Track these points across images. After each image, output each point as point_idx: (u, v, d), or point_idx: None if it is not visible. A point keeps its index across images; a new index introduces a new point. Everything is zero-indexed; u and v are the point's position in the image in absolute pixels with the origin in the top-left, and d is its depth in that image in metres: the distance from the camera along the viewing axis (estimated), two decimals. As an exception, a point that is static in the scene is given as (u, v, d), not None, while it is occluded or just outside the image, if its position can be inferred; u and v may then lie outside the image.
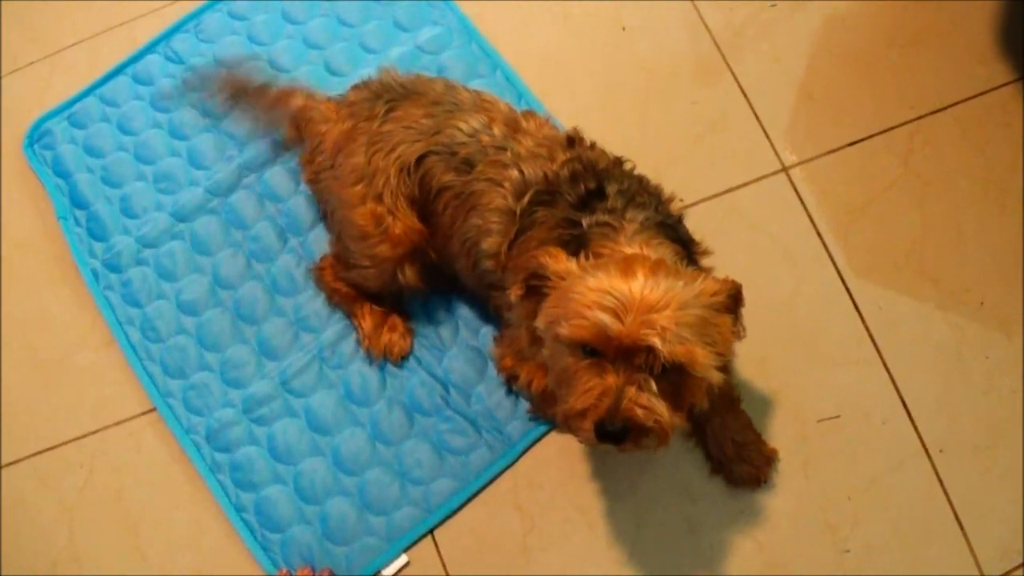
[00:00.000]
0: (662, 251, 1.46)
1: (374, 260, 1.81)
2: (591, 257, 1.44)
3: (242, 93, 2.00)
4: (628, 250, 1.44)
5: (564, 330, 1.35)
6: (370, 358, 1.98)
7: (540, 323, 1.42)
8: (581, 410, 1.38)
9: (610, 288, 1.32)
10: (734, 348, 1.46)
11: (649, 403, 1.34)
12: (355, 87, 1.88)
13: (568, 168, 1.60)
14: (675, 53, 2.21)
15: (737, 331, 1.44)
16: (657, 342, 1.29)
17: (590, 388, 1.36)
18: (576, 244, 1.49)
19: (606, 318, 1.30)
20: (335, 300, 2.01)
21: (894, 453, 1.84)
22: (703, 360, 1.33)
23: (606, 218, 1.51)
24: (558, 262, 1.40)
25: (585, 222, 1.51)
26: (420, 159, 1.71)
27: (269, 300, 2.04)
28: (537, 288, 1.43)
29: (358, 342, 1.99)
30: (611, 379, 1.34)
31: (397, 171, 1.73)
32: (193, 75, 2.16)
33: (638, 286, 1.31)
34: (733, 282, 1.41)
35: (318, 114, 1.89)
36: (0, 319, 2.13)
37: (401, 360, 1.97)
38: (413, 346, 1.98)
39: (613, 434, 1.36)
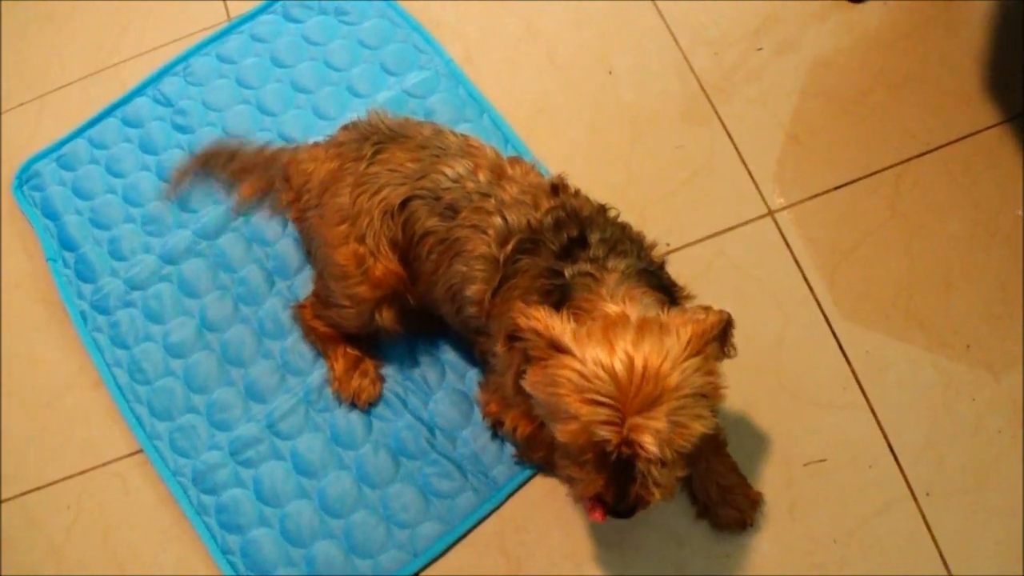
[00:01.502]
0: (645, 300, 1.50)
1: (353, 300, 1.88)
2: (573, 314, 1.47)
3: (232, 163, 2.07)
4: (610, 308, 1.47)
5: (560, 436, 1.40)
6: (339, 400, 2.05)
7: (527, 386, 1.47)
8: (590, 496, 1.47)
9: (598, 378, 1.35)
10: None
11: (653, 484, 1.42)
12: (344, 127, 1.96)
13: (552, 216, 1.66)
14: (662, 97, 2.30)
15: (728, 351, 1.50)
16: (654, 450, 1.34)
17: (593, 480, 1.44)
18: (559, 294, 1.55)
19: (603, 432, 1.35)
20: (311, 339, 2.09)
21: (881, 496, 1.89)
22: (700, 431, 1.38)
23: (588, 268, 1.56)
24: (534, 320, 1.43)
25: (567, 272, 1.56)
26: (404, 203, 1.78)
27: (256, 343, 2.13)
28: (520, 339, 1.48)
29: (328, 382, 2.07)
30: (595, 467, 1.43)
31: (381, 213, 1.79)
32: (187, 161, 2.20)
33: (623, 369, 1.34)
34: (720, 315, 1.45)
35: (306, 154, 1.98)
36: (-12, 360, 2.22)
37: (369, 406, 2.04)
38: (382, 393, 2.05)
39: (622, 513, 1.46)
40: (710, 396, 1.42)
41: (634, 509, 1.46)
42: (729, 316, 1.47)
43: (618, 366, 1.35)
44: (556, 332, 1.41)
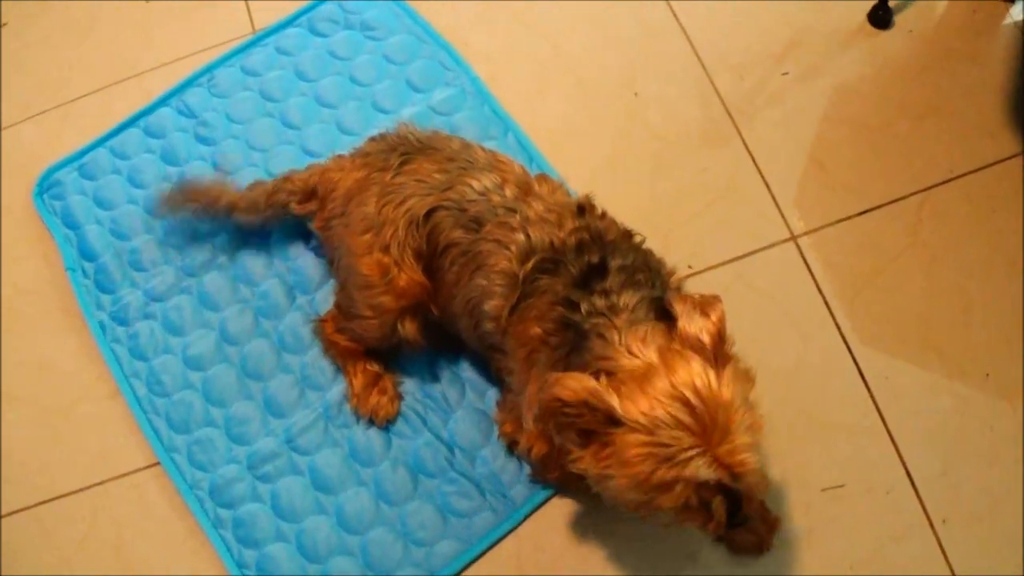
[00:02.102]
0: (655, 333, 1.50)
1: (376, 310, 1.90)
2: (603, 375, 1.46)
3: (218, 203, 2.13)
4: (629, 362, 1.47)
5: (667, 503, 1.42)
6: (356, 416, 2.07)
7: (590, 471, 1.48)
8: (718, 532, 1.51)
9: (673, 437, 1.38)
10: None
11: (759, 490, 1.47)
12: (372, 139, 1.99)
13: (575, 237, 1.66)
14: (686, 120, 2.35)
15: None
16: (755, 460, 1.40)
17: (714, 518, 1.46)
18: (574, 333, 1.56)
19: (708, 475, 1.38)
20: (331, 353, 2.11)
21: (897, 523, 1.92)
22: (763, 418, 1.44)
23: (601, 304, 1.56)
24: (584, 393, 1.41)
25: (583, 307, 1.57)
26: (429, 213, 1.79)
27: (276, 357, 2.15)
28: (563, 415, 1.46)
29: (347, 398, 2.09)
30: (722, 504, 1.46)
31: (406, 223, 1.81)
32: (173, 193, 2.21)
33: (684, 413, 1.37)
34: (717, 308, 1.49)
35: (332, 163, 2.02)
36: (5, 368, 2.24)
37: (387, 424, 2.06)
38: (401, 410, 2.08)
39: (739, 523, 1.49)
40: (751, 383, 1.48)
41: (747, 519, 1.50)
42: (719, 300, 1.52)
43: (678, 413, 1.38)
44: (610, 403, 1.41)
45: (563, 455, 1.56)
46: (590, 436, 1.46)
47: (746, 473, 1.40)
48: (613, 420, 1.41)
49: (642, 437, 1.39)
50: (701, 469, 1.38)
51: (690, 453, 1.38)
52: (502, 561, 1.98)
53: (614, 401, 1.41)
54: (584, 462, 1.48)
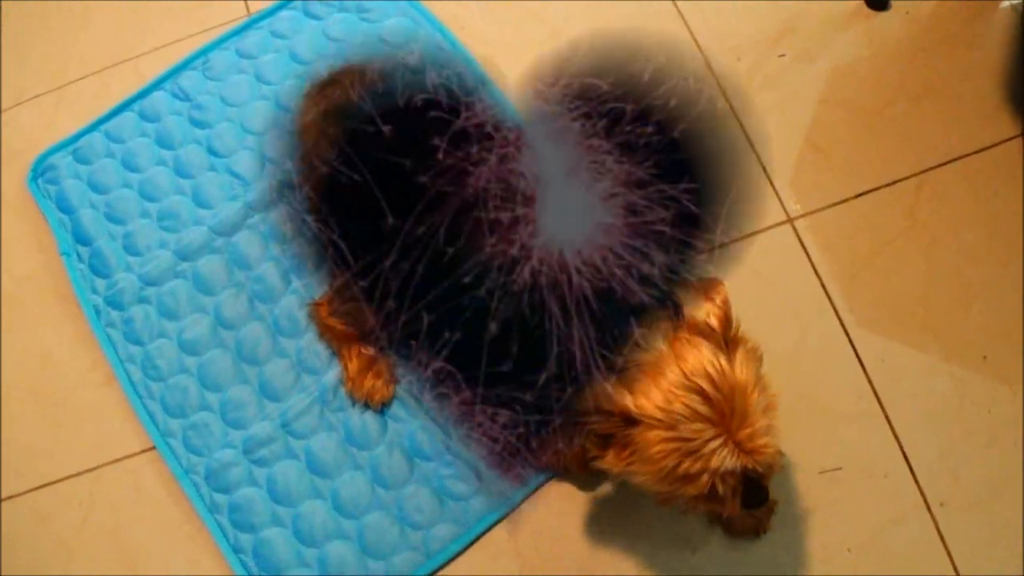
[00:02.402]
0: (660, 319, 1.50)
1: None
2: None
3: None
4: (633, 355, 1.48)
5: (693, 490, 1.42)
6: (352, 400, 2.08)
7: (615, 470, 1.48)
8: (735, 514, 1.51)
9: (694, 431, 1.37)
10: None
11: (774, 465, 1.46)
12: None
13: None
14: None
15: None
16: (775, 443, 1.41)
17: (730, 501, 1.46)
18: None
19: (733, 464, 1.38)
20: (326, 337, 2.11)
21: (895, 506, 1.92)
22: (775, 395, 1.44)
23: None
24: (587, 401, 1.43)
25: None
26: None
27: (271, 341, 2.15)
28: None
29: (342, 382, 2.09)
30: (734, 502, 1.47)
31: None
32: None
33: (702, 404, 1.37)
34: (720, 291, 1.51)
35: None
36: (0, 353, 2.25)
37: (382, 407, 2.07)
38: (397, 393, 2.08)
39: (761, 503, 1.49)
40: (760, 361, 1.47)
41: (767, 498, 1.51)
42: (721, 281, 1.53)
43: (695, 405, 1.38)
44: (623, 404, 1.42)
45: (585, 455, 1.57)
46: (609, 437, 1.47)
47: (767, 456, 1.41)
48: (630, 419, 1.42)
49: (662, 433, 1.39)
50: (726, 460, 1.38)
51: (713, 445, 1.38)
52: (499, 544, 1.98)
53: (628, 401, 1.41)
54: (606, 462, 1.49)
